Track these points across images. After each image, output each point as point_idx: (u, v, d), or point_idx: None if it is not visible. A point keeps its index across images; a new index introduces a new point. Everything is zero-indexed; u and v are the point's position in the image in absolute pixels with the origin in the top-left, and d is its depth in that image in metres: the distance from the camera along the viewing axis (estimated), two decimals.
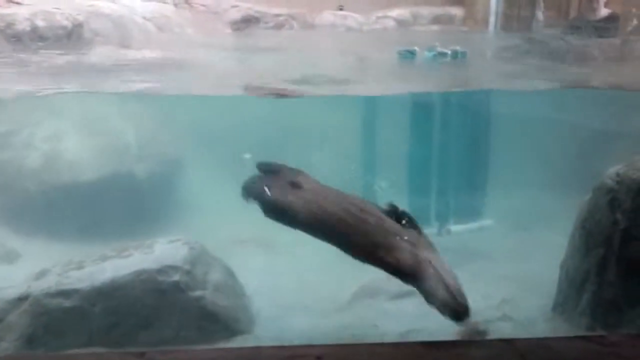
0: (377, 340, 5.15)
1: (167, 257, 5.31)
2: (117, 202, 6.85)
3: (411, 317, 5.53)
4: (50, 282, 5.11)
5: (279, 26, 9.81)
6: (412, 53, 6.22)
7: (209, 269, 5.56)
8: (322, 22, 9.90)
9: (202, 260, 5.55)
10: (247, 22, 9.73)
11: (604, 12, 8.52)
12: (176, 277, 5.18)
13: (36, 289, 5.05)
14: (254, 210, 7.75)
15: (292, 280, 6.20)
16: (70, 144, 7.15)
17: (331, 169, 7.92)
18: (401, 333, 5.27)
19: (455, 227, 7.26)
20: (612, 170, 5.08)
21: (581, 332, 5.06)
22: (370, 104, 7.28)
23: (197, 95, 6.63)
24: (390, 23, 9.70)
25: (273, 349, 4.34)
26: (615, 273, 4.92)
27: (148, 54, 7.42)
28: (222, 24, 9.58)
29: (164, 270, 5.19)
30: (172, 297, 5.13)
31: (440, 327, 5.35)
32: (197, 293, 5.23)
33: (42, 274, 5.24)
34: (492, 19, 9.12)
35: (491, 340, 4.73)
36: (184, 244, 5.54)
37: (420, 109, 7.28)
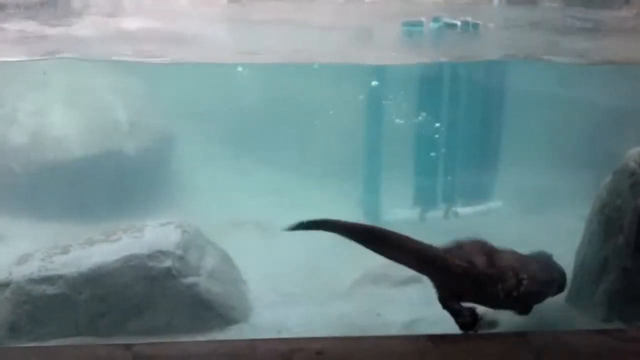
0: (380, 330, 4.91)
1: (158, 242, 5.02)
2: (107, 181, 6.54)
3: (416, 305, 5.27)
4: (33, 268, 4.83)
5: None
6: (419, 24, 5.85)
7: (203, 254, 5.27)
8: None
9: (196, 245, 5.26)
10: None
11: None
12: (168, 263, 4.89)
13: (18, 275, 4.78)
14: (252, 190, 7.55)
15: (291, 265, 5.92)
16: (57, 119, 6.79)
17: (328, 144, 7.71)
18: (406, 322, 5.00)
19: (462, 210, 6.95)
20: (635, 152, 4.74)
21: (597, 324, 4.79)
22: (373, 76, 6.92)
23: (190, 65, 6.26)
24: None
25: (270, 342, 4.06)
26: (636, 262, 4.62)
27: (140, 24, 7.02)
28: None
29: (154, 255, 4.91)
30: (163, 284, 4.85)
31: (447, 316, 5.11)
32: (190, 280, 4.95)
33: (24, 259, 4.96)
34: None
35: (503, 334, 4.45)
36: (176, 227, 5.25)
37: (427, 81, 6.93)
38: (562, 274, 4.69)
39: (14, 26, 5.98)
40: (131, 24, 6.35)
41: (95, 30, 6.37)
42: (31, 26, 5.96)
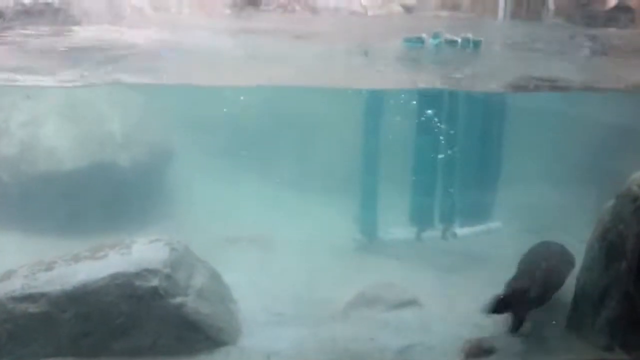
0: (374, 355, 4.74)
1: (146, 260, 4.85)
2: (98, 195, 6.39)
3: (412, 329, 5.12)
4: (16, 285, 4.67)
5: (281, 7, 9.29)
6: (420, 41, 5.69)
7: (192, 273, 5.11)
8: (326, 5, 9.40)
9: (185, 263, 5.10)
10: (247, 4, 9.22)
11: (614, 1, 7.99)
12: (155, 282, 4.72)
13: (0, 292, 4.61)
14: (247, 205, 7.40)
15: (283, 284, 5.77)
16: (50, 131, 6.66)
17: (326, 161, 7.56)
18: (400, 348, 4.83)
19: (460, 230, 6.78)
20: (638, 176, 4.58)
21: (598, 352, 4.63)
22: (373, 98, 6.78)
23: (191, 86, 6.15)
24: (396, 8, 9.20)
25: None
26: (639, 289, 4.45)
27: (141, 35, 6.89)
28: (221, 4, 9.07)
29: (141, 274, 4.74)
30: (150, 304, 4.68)
31: (443, 342, 4.95)
32: (178, 300, 4.78)
33: (7, 275, 4.80)
34: (501, 5, 8.56)
35: None
36: (165, 244, 5.09)
37: (426, 102, 6.78)
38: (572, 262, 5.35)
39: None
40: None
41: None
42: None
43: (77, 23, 6.79)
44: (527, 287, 4.84)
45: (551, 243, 5.56)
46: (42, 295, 4.60)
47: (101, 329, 4.61)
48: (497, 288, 5.64)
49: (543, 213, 7.02)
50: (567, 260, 5.37)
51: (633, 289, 4.50)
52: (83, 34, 6.42)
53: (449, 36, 5.70)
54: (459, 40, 5.60)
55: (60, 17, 6.79)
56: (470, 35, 5.63)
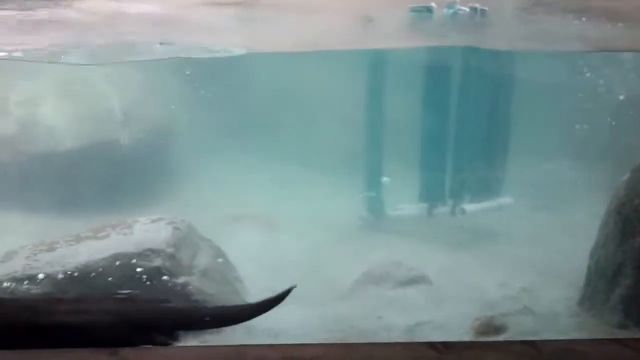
0: (381, 334, 4.67)
1: (149, 239, 4.77)
2: (100, 174, 6.30)
3: (420, 307, 5.04)
4: (17, 266, 4.59)
5: None
6: (429, 10, 5.55)
7: (196, 252, 5.03)
8: None
9: (189, 242, 5.01)
10: None
11: None
12: (158, 262, 4.64)
13: (2, 273, 4.54)
14: (251, 183, 7.31)
15: (289, 263, 5.68)
16: (49, 109, 6.55)
17: (333, 137, 7.44)
18: (409, 327, 4.74)
19: (470, 207, 6.66)
20: None
21: (611, 331, 4.52)
22: (378, 61, 6.61)
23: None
24: None
25: (260, 348, 3.81)
26: None
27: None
28: None
29: (144, 254, 4.65)
30: (153, 285, 4.59)
31: (452, 320, 4.87)
32: (182, 280, 4.70)
33: (9, 256, 4.74)
34: None
35: (511, 342, 4.17)
36: (168, 223, 5.00)
37: (435, 71, 6.62)
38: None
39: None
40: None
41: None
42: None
43: None
44: None
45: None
46: (45, 276, 4.53)
47: None
48: (507, 265, 5.58)
49: (555, 188, 6.89)
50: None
51: None
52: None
53: (459, 6, 5.59)
54: (467, 9, 5.51)
55: None
56: (477, 5, 5.53)
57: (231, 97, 7.48)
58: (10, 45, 5.40)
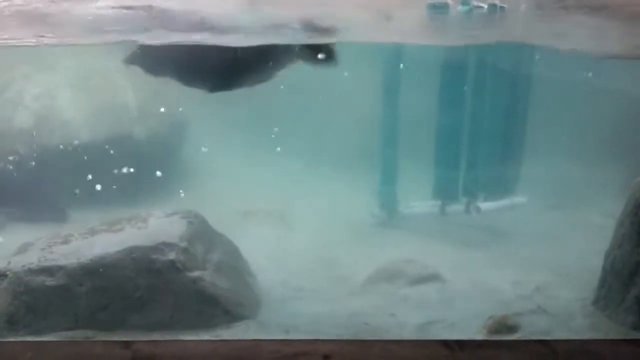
0: (394, 331, 4.66)
1: (163, 233, 4.80)
2: (114, 167, 6.32)
3: (433, 305, 5.03)
4: (32, 258, 4.64)
5: None
6: (444, 6, 5.50)
7: (210, 246, 5.04)
8: None
9: (202, 236, 5.03)
10: None
11: None
12: (172, 256, 4.66)
13: (17, 265, 4.59)
14: (265, 179, 7.31)
15: (302, 258, 5.70)
16: (64, 102, 6.59)
17: (345, 133, 7.42)
18: (421, 324, 4.73)
19: (484, 205, 6.62)
20: None
21: (625, 331, 4.50)
22: (391, 56, 6.57)
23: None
24: None
25: (274, 343, 3.84)
26: None
27: None
28: None
29: (158, 247, 4.67)
30: (167, 278, 4.61)
31: (465, 318, 4.85)
32: (195, 273, 4.71)
33: (24, 248, 4.79)
34: None
35: (525, 341, 4.16)
36: (182, 217, 5.03)
37: (450, 69, 6.57)
38: None
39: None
40: None
41: None
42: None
43: None
44: None
45: None
46: (60, 268, 4.56)
47: (118, 302, 4.56)
48: (521, 264, 5.55)
49: (569, 188, 6.84)
50: None
51: None
52: None
53: (475, 2, 5.51)
54: (485, 6, 5.43)
55: None
56: (497, 1, 5.45)
57: (244, 93, 7.46)
58: None
